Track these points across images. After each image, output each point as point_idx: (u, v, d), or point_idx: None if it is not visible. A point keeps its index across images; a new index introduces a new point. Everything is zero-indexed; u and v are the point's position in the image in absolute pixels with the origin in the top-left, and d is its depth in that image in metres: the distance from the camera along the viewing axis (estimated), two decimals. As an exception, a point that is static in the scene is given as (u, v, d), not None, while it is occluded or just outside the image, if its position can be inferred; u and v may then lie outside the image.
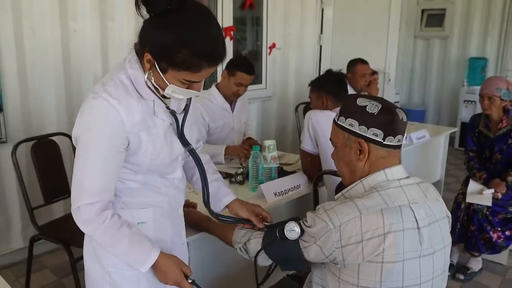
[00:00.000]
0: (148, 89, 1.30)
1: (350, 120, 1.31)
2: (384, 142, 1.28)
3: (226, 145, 2.89)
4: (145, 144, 1.33)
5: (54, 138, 2.72)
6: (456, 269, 3.05)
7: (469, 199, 2.98)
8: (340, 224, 1.20)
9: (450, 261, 3.04)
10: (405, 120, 1.29)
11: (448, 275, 2.92)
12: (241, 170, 2.49)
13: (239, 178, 2.44)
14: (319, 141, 2.35)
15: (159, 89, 1.29)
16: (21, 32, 2.90)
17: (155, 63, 1.22)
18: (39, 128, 3.04)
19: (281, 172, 2.48)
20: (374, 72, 4.30)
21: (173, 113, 1.38)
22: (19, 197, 3.01)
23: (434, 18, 6.57)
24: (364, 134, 1.29)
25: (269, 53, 4.69)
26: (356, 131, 1.30)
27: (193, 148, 1.45)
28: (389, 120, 1.27)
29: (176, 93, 1.28)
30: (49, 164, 2.65)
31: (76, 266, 2.39)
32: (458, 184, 3.46)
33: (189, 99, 1.44)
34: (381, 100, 1.30)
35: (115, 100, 1.24)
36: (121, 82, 1.28)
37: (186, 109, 1.44)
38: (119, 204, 1.39)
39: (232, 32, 4.25)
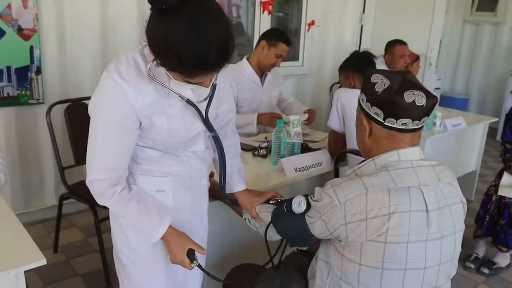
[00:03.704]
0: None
1: (362, 95, 1.29)
2: (384, 123, 1.23)
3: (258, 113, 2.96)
4: (159, 125, 1.30)
5: (87, 102, 2.78)
6: (482, 263, 2.96)
7: (501, 192, 2.86)
8: (345, 201, 1.19)
9: (476, 254, 2.98)
10: (420, 104, 1.18)
11: (472, 268, 2.89)
12: (265, 144, 2.50)
13: (262, 151, 2.45)
14: (346, 119, 2.33)
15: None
16: (61, -1, 2.98)
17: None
18: (75, 92, 3.13)
19: (306, 149, 2.47)
20: (417, 58, 4.16)
21: (189, 102, 1.30)
22: (54, 157, 3.14)
23: (487, 2, 6.24)
24: (367, 110, 1.26)
25: (308, 30, 4.61)
26: (363, 106, 1.28)
27: (216, 135, 1.41)
28: (390, 101, 1.19)
29: (182, 87, 1.22)
30: (81, 126, 2.69)
31: (100, 226, 2.49)
32: (495, 177, 3.33)
33: (214, 85, 1.29)
34: (397, 78, 1.21)
35: (124, 81, 1.21)
36: (134, 60, 1.24)
37: (210, 96, 1.32)
38: (138, 171, 1.41)
39: (270, 7, 4.20)
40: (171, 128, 1.32)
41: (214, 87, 1.30)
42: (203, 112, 1.35)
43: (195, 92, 1.32)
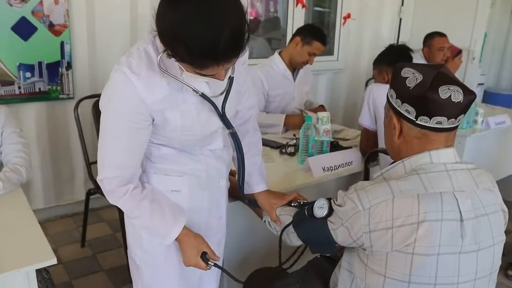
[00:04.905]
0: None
1: (391, 91, 1.17)
2: (416, 122, 1.10)
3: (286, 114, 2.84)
4: (172, 121, 1.23)
5: (115, 96, 2.78)
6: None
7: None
8: (370, 207, 1.08)
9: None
10: (457, 101, 1.06)
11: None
12: (294, 141, 2.40)
13: (290, 149, 2.35)
14: (378, 117, 2.20)
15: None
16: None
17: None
18: (103, 87, 3.12)
19: (336, 147, 2.35)
20: (459, 52, 3.95)
21: (204, 96, 1.22)
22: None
23: (537, -7, 5.85)
24: (397, 108, 1.14)
25: (343, 23, 4.46)
26: (393, 103, 1.16)
27: (234, 132, 1.33)
28: (423, 97, 1.07)
29: (196, 81, 1.15)
30: (108, 121, 2.72)
31: (124, 222, 2.46)
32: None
33: (231, 78, 1.22)
34: (430, 71, 1.09)
35: (134, 75, 1.14)
36: (146, 52, 1.17)
37: (226, 91, 1.24)
38: (152, 169, 1.35)
39: (304, 0, 4.07)
40: (185, 124, 1.25)
41: (231, 80, 1.22)
42: (220, 108, 1.27)
43: (211, 86, 1.23)
